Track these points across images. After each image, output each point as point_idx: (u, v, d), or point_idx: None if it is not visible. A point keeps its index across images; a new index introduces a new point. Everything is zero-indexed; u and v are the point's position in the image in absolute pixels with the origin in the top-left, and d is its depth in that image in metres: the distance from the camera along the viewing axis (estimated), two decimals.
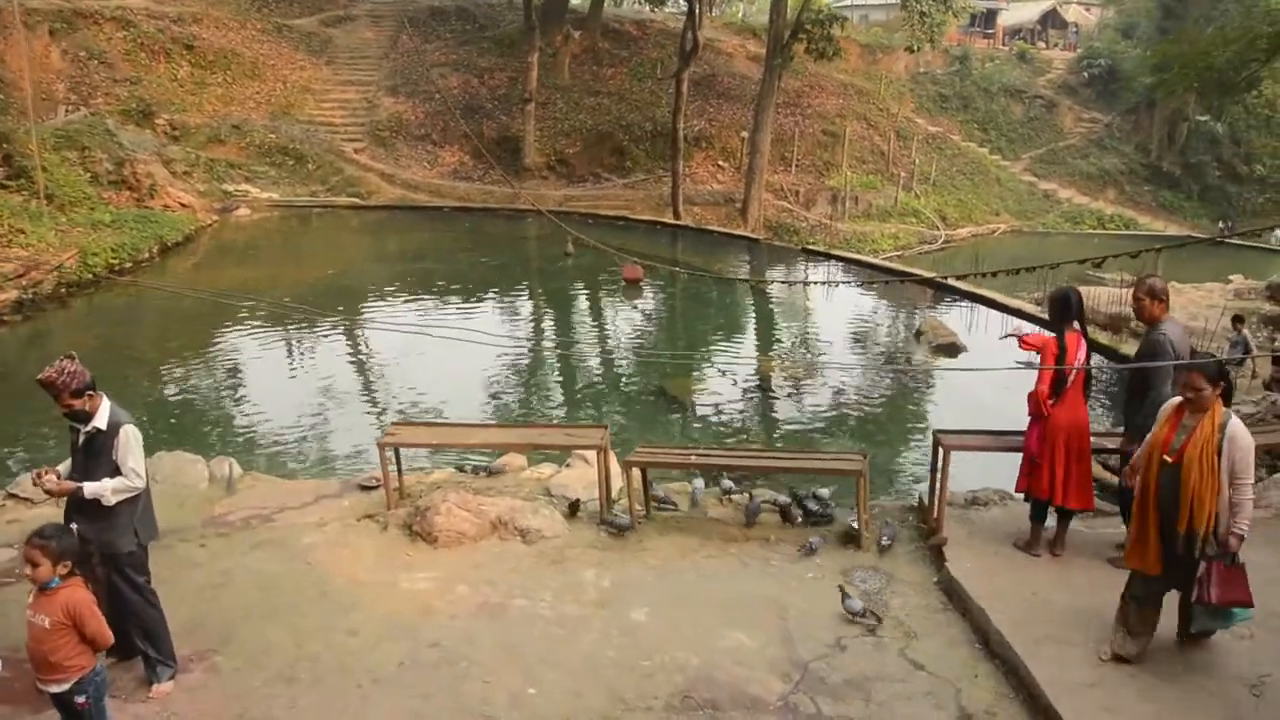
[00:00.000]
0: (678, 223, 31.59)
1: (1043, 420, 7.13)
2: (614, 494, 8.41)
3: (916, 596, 6.92)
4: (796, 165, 38.49)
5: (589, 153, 36.32)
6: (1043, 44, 59.73)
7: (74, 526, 5.15)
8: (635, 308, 20.96)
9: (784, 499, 8.26)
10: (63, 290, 17.99)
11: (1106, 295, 21.91)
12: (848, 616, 6.48)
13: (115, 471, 5.34)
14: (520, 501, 8.10)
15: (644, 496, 8.26)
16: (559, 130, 36.55)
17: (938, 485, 7.66)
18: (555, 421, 12.69)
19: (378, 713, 5.47)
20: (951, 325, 18.97)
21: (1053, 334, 7.20)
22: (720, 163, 37.75)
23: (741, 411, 14.24)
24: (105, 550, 5.24)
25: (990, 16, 59.97)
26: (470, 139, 34.23)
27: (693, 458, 8.42)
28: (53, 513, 6.74)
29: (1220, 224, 43.56)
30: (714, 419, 13.59)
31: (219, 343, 15.81)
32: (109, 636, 4.75)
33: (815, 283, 22.76)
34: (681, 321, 20.41)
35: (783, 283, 23.54)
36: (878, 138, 42.30)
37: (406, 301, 19.12)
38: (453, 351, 13.33)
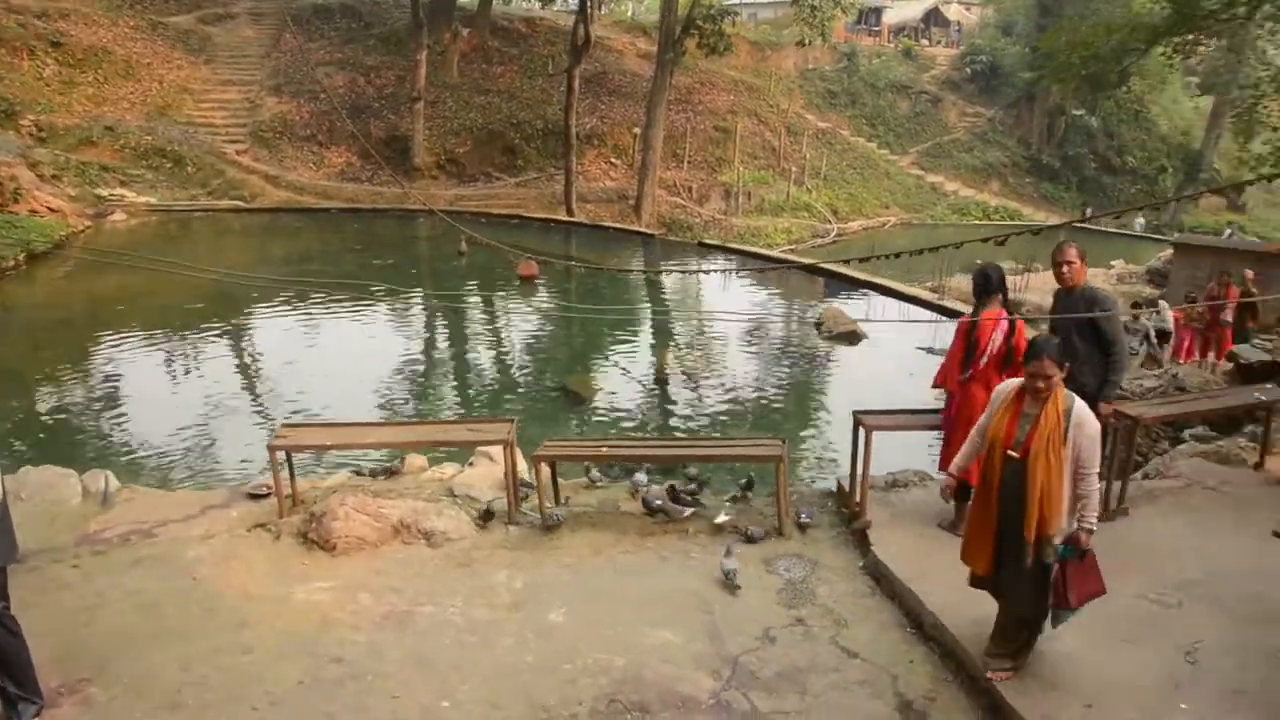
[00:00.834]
0: (572, 220, 31.19)
1: (953, 397, 6.98)
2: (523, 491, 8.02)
3: (843, 583, 6.67)
4: (689, 161, 38.47)
5: (480, 152, 35.77)
6: (926, 41, 60.89)
7: None
8: (531, 305, 20.54)
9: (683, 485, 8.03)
10: None
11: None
12: (723, 579, 6.55)
13: None
14: (423, 503, 7.63)
15: (554, 492, 7.87)
16: (449, 129, 35.93)
17: (859, 467, 7.42)
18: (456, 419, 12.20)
19: None
20: (851, 314, 19.03)
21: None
22: (612, 160, 37.53)
23: (645, 405, 13.98)
24: None
25: (875, 14, 60.89)
26: (358, 139, 33.39)
27: (604, 449, 8.04)
28: None
29: (1084, 209, 45.11)
30: (618, 413, 13.27)
31: (96, 351, 14.89)
32: None
33: (716, 270, 22.61)
34: (579, 318, 20.07)
35: (683, 270, 23.35)
36: (769, 133, 42.53)
37: (293, 305, 18.34)
38: (344, 353, 12.82)
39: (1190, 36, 22.06)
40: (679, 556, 7.06)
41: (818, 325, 18.57)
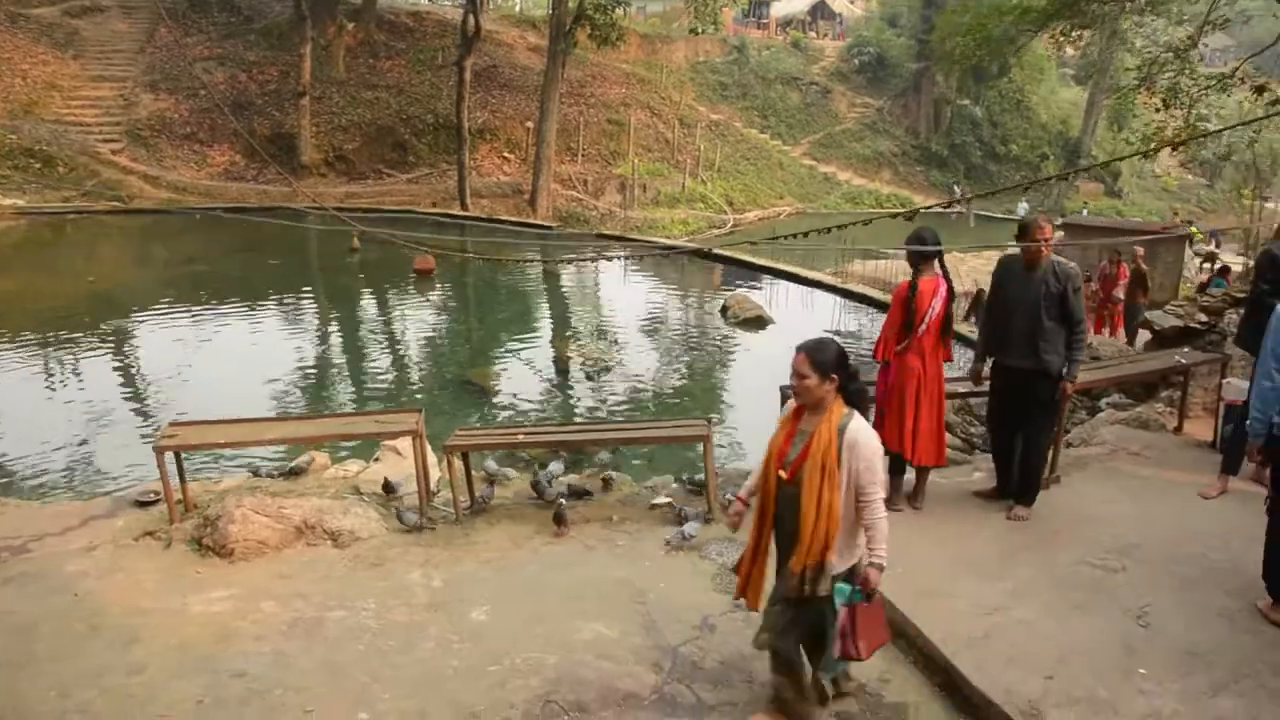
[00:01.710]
0: (466, 214, 30.55)
1: (888, 367, 6.71)
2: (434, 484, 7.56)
3: None
4: (583, 155, 38.15)
5: (369, 148, 34.85)
6: (814, 34, 61.58)
7: None
8: (429, 300, 19.94)
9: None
10: None
11: (891, 267, 22.60)
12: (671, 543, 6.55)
13: None
14: (328, 501, 7.11)
15: (467, 485, 7.41)
16: (336, 125, 34.91)
17: None
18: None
19: None
20: (756, 300, 18.93)
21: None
22: (506, 154, 36.99)
23: (549, 395, 13.69)
24: None
25: (763, 7, 61.38)
26: (241, 137, 32.16)
27: (520, 437, 7.60)
28: None
29: (956, 191, 46.19)
30: (522, 404, 12.89)
31: None
32: None
33: (617, 256, 22.24)
34: (477, 311, 19.57)
35: (585, 259, 22.96)
36: (662, 126, 42.43)
37: (181, 307, 17.43)
38: (237, 356, 12.14)
39: (1072, 23, 22.49)
40: (605, 545, 6.68)
41: (723, 311, 18.39)
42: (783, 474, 4.33)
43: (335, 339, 16.96)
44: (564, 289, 22.32)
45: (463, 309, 19.83)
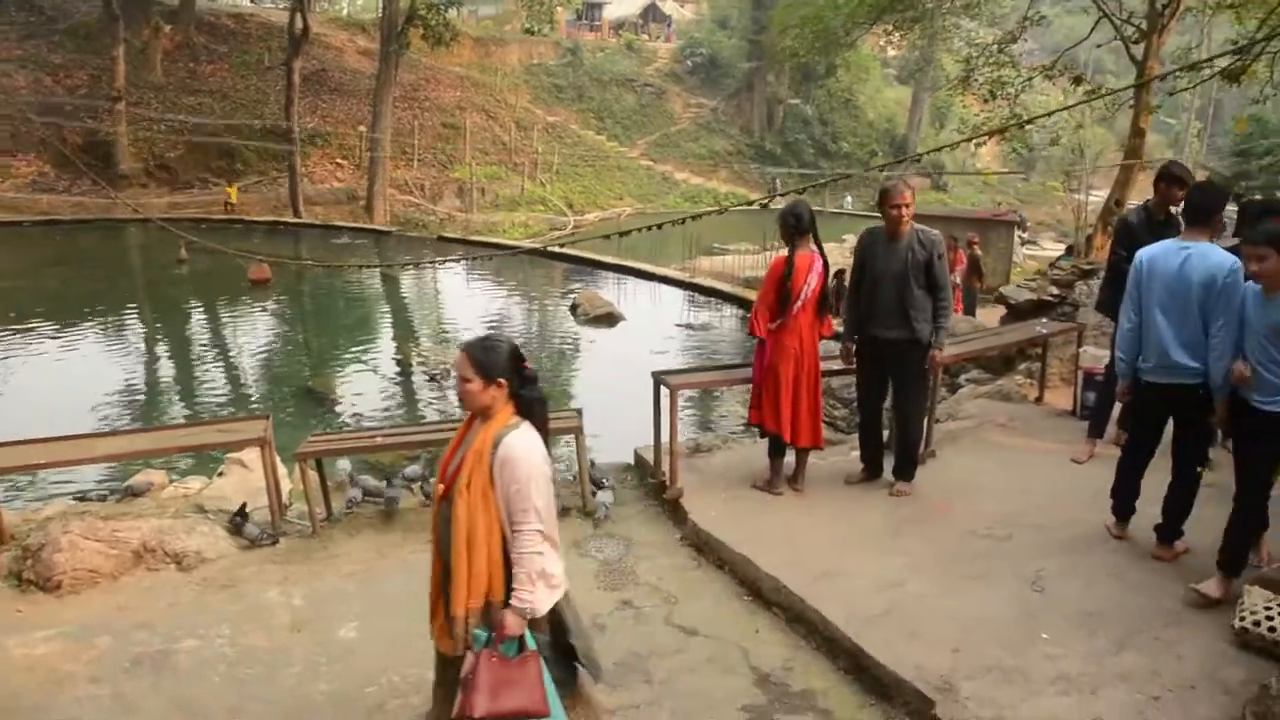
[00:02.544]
0: (301, 221, 29.48)
1: (764, 345, 6.51)
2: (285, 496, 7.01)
3: (663, 557, 6.09)
4: (419, 159, 37.46)
5: (194, 156, 33.28)
6: (646, 36, 61.93)
7: None
8: (265, 310, 19.03)
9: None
10: None
11: (736, 261, 22.85)
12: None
13: None
14: (170, 521, 6.47)
15: (323, 495, 6.88)
16: (157, 133, 33.12)
17: (665, 433, 6.84)
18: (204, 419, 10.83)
19: None
20: (607, 297, 18.78)
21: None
22: (339, 160, 36.00)
23: (394, 400, 13.31)
24: None
25: (596, 10, 61.50)
26: (51, 146, 30.27)
27: (379, 439, 7.08)
28: None
29: (772, 185, 47.14)
30: (369, 411, 12.37)
31: None
32: None
33: (459, 258, 21.72)
34: (316, 319, 18.81)
35: (428, 263, 22.32)
36: (498, 129, 41.99)
37: None
38: (54, 373, 11.16)
39: (903, 16, 23.11)
40: None
41: (573, 310, 18.15)
42: (440, 488, 3.69)
43: (166, 355, 15.95)
44: (405, 295, 21.73)
45: (301, 317, 19.03)
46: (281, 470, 7.08)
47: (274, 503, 6.63)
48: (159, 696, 4.68)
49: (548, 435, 3.67)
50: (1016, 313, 10.38)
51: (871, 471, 6.85)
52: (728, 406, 12.25)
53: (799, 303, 6.32)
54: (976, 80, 21.84)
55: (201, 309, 19.44)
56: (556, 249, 23.32)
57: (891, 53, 63.74)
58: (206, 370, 14.89)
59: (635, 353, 14.98)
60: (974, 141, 13.95)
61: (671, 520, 6.62)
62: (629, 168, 47.02)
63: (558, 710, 3.54)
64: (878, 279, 6.38)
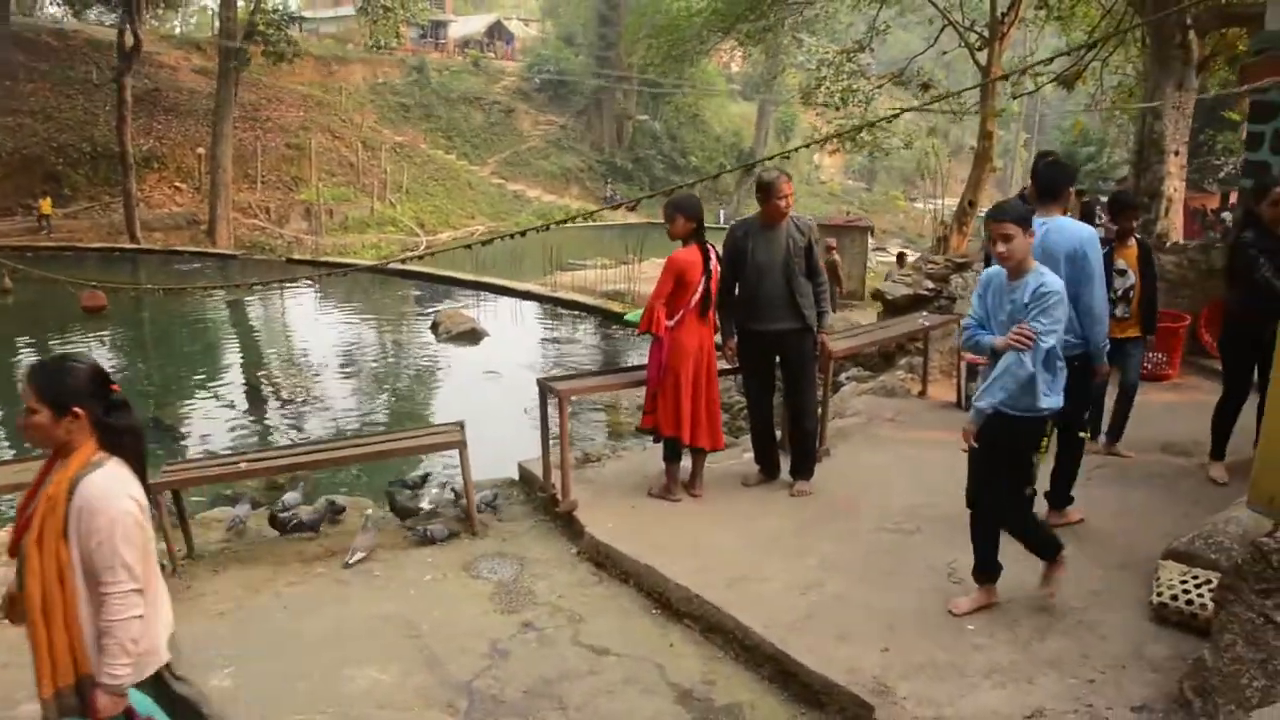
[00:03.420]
0: (139, 247, 28.05)
1: (659, 343, 6.19)
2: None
3: (561, 574, 5.70)
4: (263, 181, 36.26)
5: (14, 181, 31.33)
6: (493, 54, 61.52)
7: None
8: (101, 340, 17.86)
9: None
10: None
11: (596, 275, 22.73)
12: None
13: None
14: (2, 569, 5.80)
15: (183, 529, 6.27)
16: None
17: (554, 444, 6.47)
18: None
19: None
20: (468, 314, 18.35)
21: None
22: (177, 184, 34.53)
23: (247, 428, 12.66)
24: None
25: (441, 28, 60.86)
26: None
27: (242, 465, 6.46)
28: None
29: (610, 194, 47.51)
30: (218, 440, 11.71)
31: None
32: None
33: (309, 277, 20.81)
34: (158, 348, 17.79)
35: (275, 284, 21.38)
36: (345, 149, 40.95)
37: None
38: None
39: (754, 25, 23.39)
40: (361, 578, 5.74)
41: (434, 328, 17.62)
42: (11, 539, 2.96)
43: None
44: (252, 321, 20.81)
45: (142, 346, 17.95)
46: None
47: None
48: None
49: (144, 471, 3.01)
50: (894, 308, 10.41)
51: (769, 473, 6.63)
52: (606, 415, 12.02)
53: (694, 297, 6.06)
54: (827, 90, 22.30)
55: (29, 341, 18.11)
56: (414, 267, 22.74)
57: (735, 69, 65.21)
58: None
59: (501, 367, 14.72)
60: (815, 154, 14.22)
61: (566, 535, 6.22)
62: (480, 186, 46.50)
63: None
64: (761, 270, 6.15)
